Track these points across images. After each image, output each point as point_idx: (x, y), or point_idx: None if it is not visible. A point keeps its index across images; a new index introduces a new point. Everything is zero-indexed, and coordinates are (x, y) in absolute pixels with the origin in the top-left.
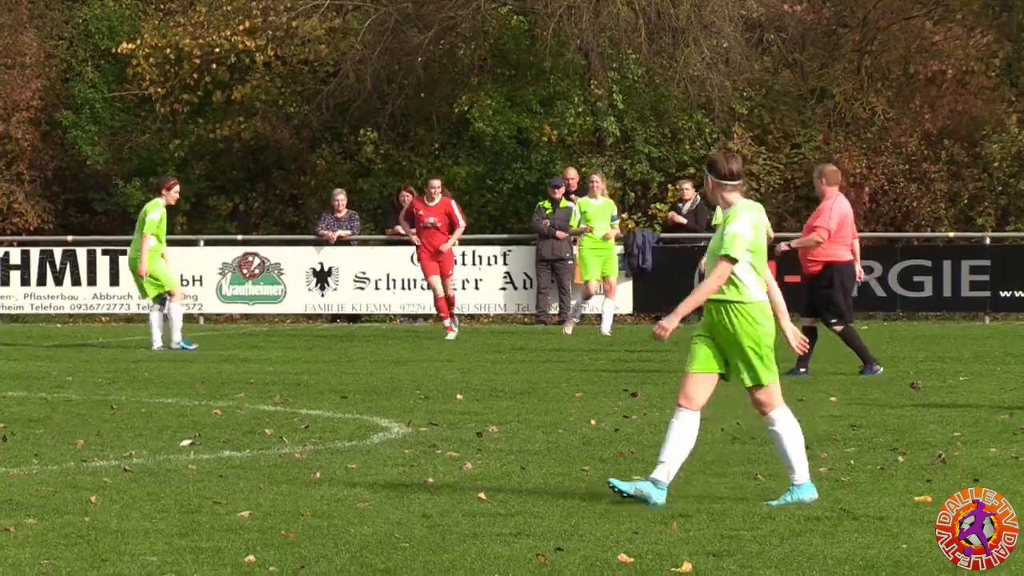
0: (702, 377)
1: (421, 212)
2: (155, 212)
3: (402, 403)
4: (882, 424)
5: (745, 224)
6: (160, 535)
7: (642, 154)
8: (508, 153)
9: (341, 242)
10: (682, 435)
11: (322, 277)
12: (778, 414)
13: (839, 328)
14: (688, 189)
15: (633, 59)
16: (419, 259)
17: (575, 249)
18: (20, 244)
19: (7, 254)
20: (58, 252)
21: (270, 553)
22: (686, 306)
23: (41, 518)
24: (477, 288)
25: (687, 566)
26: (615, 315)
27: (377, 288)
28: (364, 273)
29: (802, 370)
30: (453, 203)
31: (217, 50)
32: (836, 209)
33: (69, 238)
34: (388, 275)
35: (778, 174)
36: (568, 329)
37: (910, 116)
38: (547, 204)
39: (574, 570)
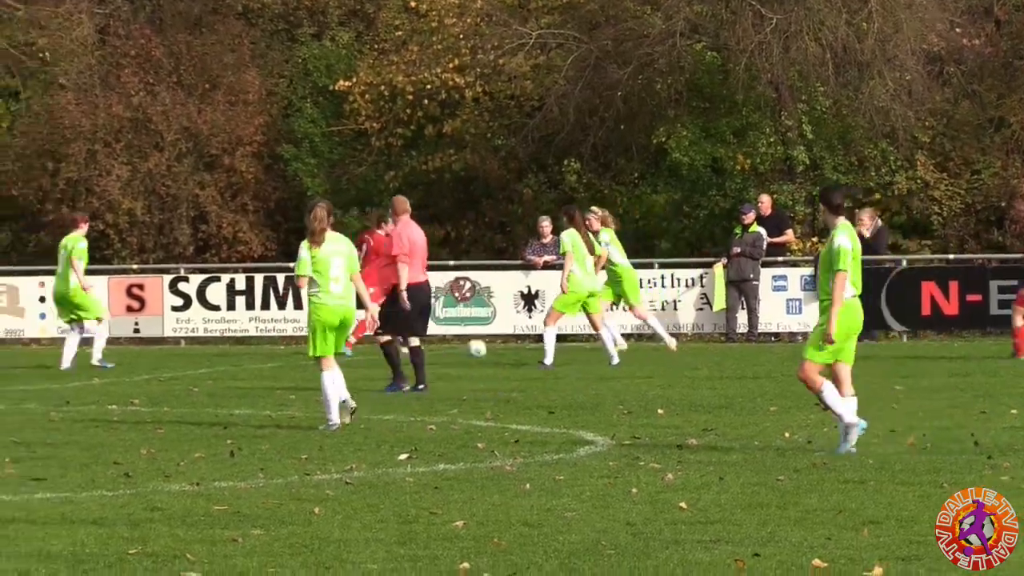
0: None
1: None
2: (83, 243)
3: (606, 418)
4: None
5: None
6: (380, 544)
7: (830, 181)
8: (703, 181)
9: (547, 267)
10: None
11: (529, 300)
12: None
13: (385, 340)
14: (865, 219)
15: (821, 91)
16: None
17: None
18: (245, 271)
19: (233, 280)
20: (281, 278)
21: (483, 560)
22: None
23: (267, 529)
24: (676, 308)
25: (878, 570)
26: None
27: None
28: None
29: (410, 387)
30: None
31: (429, 87)
32: (404, 234)
33: (291, 265)
34: None
35: (959, 199)
36: (671, 345)
37: None
38: (738, 229)
39: (771, 574)
